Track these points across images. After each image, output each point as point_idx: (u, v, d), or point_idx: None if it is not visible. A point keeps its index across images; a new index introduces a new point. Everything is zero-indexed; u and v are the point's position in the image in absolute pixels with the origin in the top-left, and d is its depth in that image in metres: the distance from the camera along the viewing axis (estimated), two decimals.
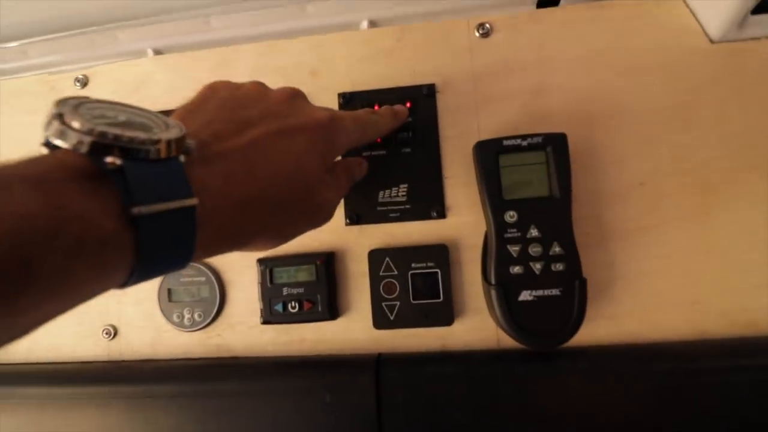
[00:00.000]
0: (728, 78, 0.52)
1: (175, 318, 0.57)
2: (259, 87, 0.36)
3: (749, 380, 0.44)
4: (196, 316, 0.56)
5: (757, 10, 0.50)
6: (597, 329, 0.50)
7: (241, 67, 0.58)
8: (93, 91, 0.62)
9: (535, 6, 0.59)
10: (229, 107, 0.32)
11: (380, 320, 0.51)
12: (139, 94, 0.61)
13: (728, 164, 0.51)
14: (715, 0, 0.50)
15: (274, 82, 0.59)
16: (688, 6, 0.53)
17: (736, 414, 0.43)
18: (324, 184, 0.35)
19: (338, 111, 0.38)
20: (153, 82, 0.61)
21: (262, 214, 0.29)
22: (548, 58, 0.53)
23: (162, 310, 0.57)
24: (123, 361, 0.58)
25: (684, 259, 0.50)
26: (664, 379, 0.45)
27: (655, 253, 0.50)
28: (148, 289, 0.58)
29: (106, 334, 0.59)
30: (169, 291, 0.57)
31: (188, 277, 0.57)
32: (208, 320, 0.56)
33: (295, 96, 0.36)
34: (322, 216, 0.37)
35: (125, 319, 0.59)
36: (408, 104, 0.54)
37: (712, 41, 0.52)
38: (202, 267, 0.56)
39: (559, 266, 0.46)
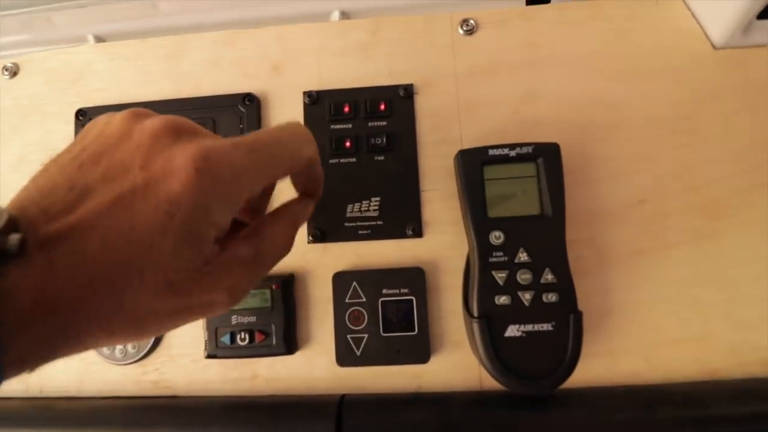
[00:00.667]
0: (733, 88, 0.47)
1: (105, 349, 0.48)
2: (128, 123, 0.25)
3: (765, 430, 0.38)
4: (129, 347, 0.48)
5: (763, 15, 0.46)
6: (592, 368, 0.43)
7: (194, 58, 0.51)
8: (24, 82, 0.54)
9: (524, 3, 0.53)
10: (76, 166, 0.23)
11: (345, 356, 0.44)
12: (76, 86, 0.53)
13: (736, 182, 0.45)
14: (718, 2, 0.46)
15: (231, 77, 0.52)
16: (688, 8, 0.49)
17: None
18: (204, 267, 0.23)
19: (224, 141, 0.25)
20: (93, 73, 0.53)
21: (105, 317, 0.21)
22: (539, 60, 0.48)
23: None
24: (43, 398, 0.49)
25: (689, 288, 0.44)
26: (670, 427, 0.39)
27: (656, 282, 0.45)
28: None
29: None
30: None
31: None
32: (144, 352, 0.47)
33: (162, 134, 0.24)
34: (213, 309, 0.25)
35: None
36: (383, 106, 0.47)
37: (714, 47, 0.48)
38: None
39: (551, 297, 0.39)
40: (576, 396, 0.42)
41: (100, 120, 0.27)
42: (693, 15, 0.48)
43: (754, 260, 0.44)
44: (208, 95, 0.50)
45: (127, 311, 0.22)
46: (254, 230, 0.28)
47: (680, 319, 0.44)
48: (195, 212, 0.22)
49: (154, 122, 0.25)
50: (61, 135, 0.52)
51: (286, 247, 0.30)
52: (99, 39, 0.55)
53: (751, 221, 0.45)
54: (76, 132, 0.51)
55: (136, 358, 0.48)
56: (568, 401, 0.41)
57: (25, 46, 0.59)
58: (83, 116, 0.51)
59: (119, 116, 0.26)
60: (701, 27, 0.48)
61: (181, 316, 0.24)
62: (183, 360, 0.48)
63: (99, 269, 0.20)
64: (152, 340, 0.47)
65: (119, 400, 0.48)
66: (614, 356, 0.44)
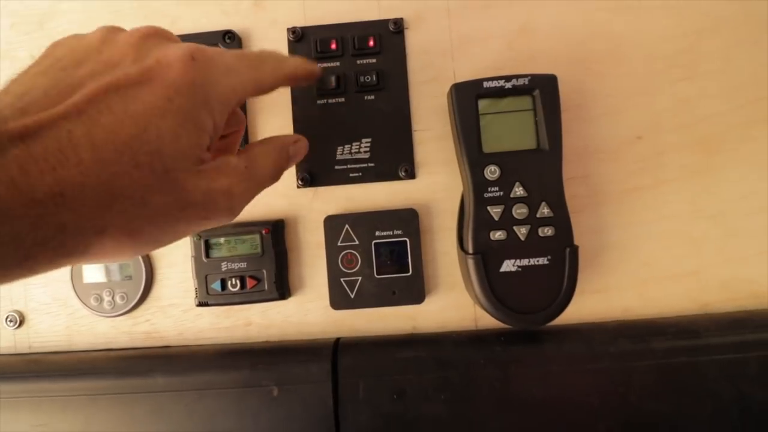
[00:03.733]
0: (735, 20, 0.45)
1: (92, 301, 0.47)
2: (105, 33, 0.26)
3: (756, 357, 0.39)
4: (117, 298, 0.47)
5: None
6: (587, 304, 0.44)
7: None
8: None
9: None
10: (58, 68, 0.23)
11: (339, 299, 0.43)
12: (44, 29, 0.49)
13: (734, 118, 0.44)
14: None
15: (209, 14, 0.49)
16: None
17: (742, 394, 0.38)
18: (200, 165, 0.24)
19: (211, 47, 0.26)
20: (60, 13, 0.49)
21: (94, 209, 0.20)
22: None
23: (76, 292, 0.47)
24: (32, 353, 0.49)
25: (683, 224, 0.44)
26: (663, 358, 0.39)
27: (650, 218, 0.44)
28: None
29: (11, 321, 0.48)
30: (84, 269, 0.47)
31: None
32: (133, 303, 0.46)
33: (148, 36, 0.25)
34: (211, 212, 0.25)
35: (33, 304, 0.49)
36: (372, 42, 0.45)
37: None
38: None
39: (547, 231, 0.39)
40: (571, 331, 0.42)
41: (67, 38, 0.27)
42: None
43: (748, 195, 0.44)
44: (186, 33, 0.47)
45: (118, 202, 0.21)
46: (245, 150, 0.29)
47: (674, 255, 0.44)
48: (194, 97, 0.23)
49: (140, 28, 0.26)
50: None
51: (276, 170, 0.31)
52: None
53: (747, 156, 0.44)
54: None
55: (125, 309, 0.46)
56: (563, 336, 0.41)
57: None
58: None
59: (93, 32, 0.27)
60: None
61: (178, 216, 0.23)
62: (173, 310, 0.47)
63: (88, 155, 0.19)
64: (141, 288, 0.46)
65: (111, 351, 0.47)
66: (608, 292, 0.44)
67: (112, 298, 0.47)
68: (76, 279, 0.47)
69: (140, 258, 0.46)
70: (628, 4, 0.45)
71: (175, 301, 0.47)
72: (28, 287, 0.49)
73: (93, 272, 0.47)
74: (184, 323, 0.47)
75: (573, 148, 0.44)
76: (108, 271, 0.47)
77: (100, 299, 0.47)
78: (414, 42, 0.46)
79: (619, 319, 0.44)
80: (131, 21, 0.48)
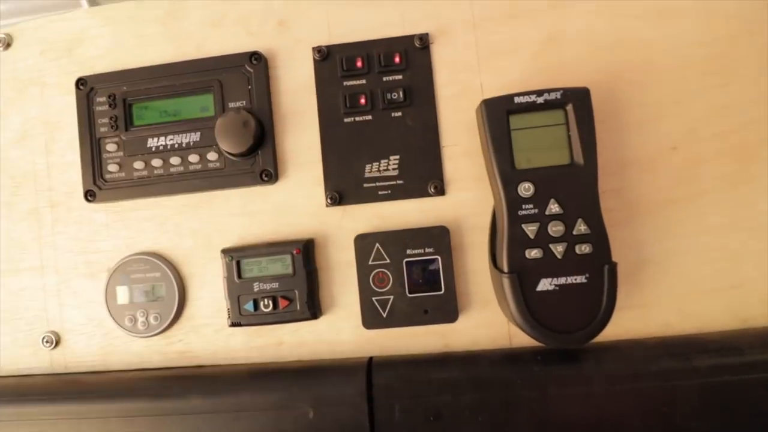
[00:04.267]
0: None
1: (126, 322, 0.48)
2: None
3: None
4: (151, 318, 0.47)
5: None
6: (624, 321, 0.43)
7: (193, 17, 0.48)
8: (19, 54, 0.51)
9: None
10: None
11: (371, 318, 0.43)
12: (73, 55, 0.50)
13: None
14: None
15: (235, 36, 0.49)
16: None
17: None
18: None
19: None
20: (89, 39, 0.50)
21: None
22: (561, 1, 0.45)
23: (111, 313, 0.48)
24: (68, 373, 0.49)
25: (722, 237, 0.43)
26: (707, 376, 0.38)
27: (688, 231, 0.43)
28: (93, 288, 0.49)
29: (47, 342, 0.49)
30: (118, 290, 0.48)
31: (140, 272, 0.47)
32: (167, 323, 0.47)
33: None
34: None
35: (69, 325, 0.49)
36: (398, 58, 0.45)
37: None
38: (156, 260, 0.47)
39: (584, 248, 0.38)
40: (610, 349, 0.41)
41: None
42: None
43: None
44: (212, 56, 0.47)
45: None
46: None
47: (713, 269, 0.43)
48: None
49: None
50: (62, 106, 0.50)
51: None
52: (93, 2, 0.52)
53: None
54: (78, 102, 0.49)
55: (159, 330, 0.47)
56: (602, 354, 0.40)
57: (14, 15, 0.55)
58: (84, 85, 0.49)
59: None
60: None
61: None
62: (206, 330, 0.47)
63: None
64: (174, 309, 0.47)
65: (146, 372, 0.48)
66: (647, 308, 0.43)
67: (146, 318, 0.47)
68: (110, 300, 0.48)
69: (172, 278, 0.47)
70: (656, 7, 0.44)
71: (207, 321, 0.47)
72: (64, 308, 0.50)
73: (127, 293, 0.48)
74: (217, 342, 0.47)
75: (606, 160, 0.43)
76: (141, 292, 0.47)
77: (134, 320, 0.48)
78: (440, 56, 0.45)
79: (659, 335, 0.43)
80: (157, 45, 0.49)
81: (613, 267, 0.38)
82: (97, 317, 0.49)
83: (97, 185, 0.48)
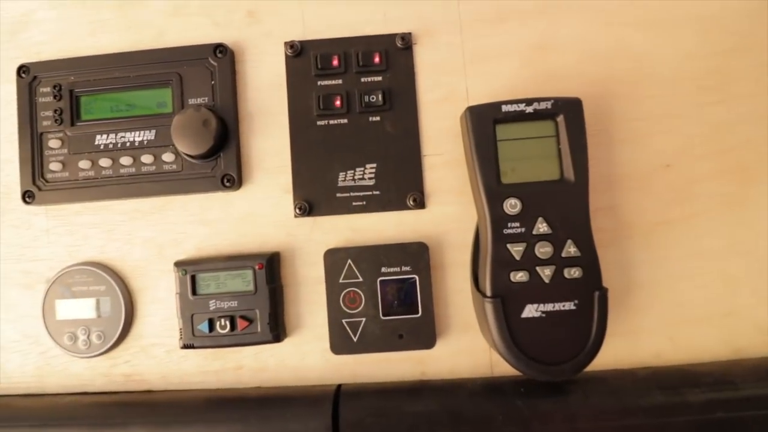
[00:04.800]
0: (765, 39, 0.42)
1: (66, 340, 0.42)
2: None
3: None
4: (94, 336, 0.42)
5: None
6: (612, 349, 0.40)
7: (154, 4, 0.44)
8: None
9: None
10: None
11: (340, 342, 0.39)
12: (16, 39, 0.45)
13: None
14: None
15: (199, 25, 0.44)
16: None
17: None
18: None
19: None
20: (35, 23, 0.45)
21: None
22: (553, 4, 0.42)
23: (48, 330, 0.43)
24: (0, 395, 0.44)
25: (717, 261, 0.41)
26: (700, 413, 0.35)
27: (682, 253, 0.41)
28: (29, 301, 0.43)
29: None
30: (57, 304, 0.42)
31: (82, 284, 0.42)
32: (111, 342, 0.42)
33: None
34: None
35: (1, 342, 0.44)
36: (377, 58, 0.41)
37: None
38: (101, 272, 0.42)
39: (574, 272, 0.35)
40: (597, 380, 0.38)
41: None
42: None
43: None
44: (173, 47, 0.42)
45: None
46: None
47: (707, 295, 0.40)
48: None
49: None
50: (1, 95, 0.45)
51: None
52: None
53: None
54: (19, 92, 0.43)
55: (102, 349, 0.42)
56: (590, 386, 0.37)
57: None
58: (26, 73, 0.44)
59: None
60: None
61: None
62: (156, 350, 0.42)
63: None
64: (120, 326, 0.42)
65: (87, 396, 0.43)
66: (637, 335, 0.40)
67: (88, 336, 0.42)
68: (47, 314, 0.43)
69: (119, 292, 0.42)
70: (652, 19, 0.42)
71: (157, 341, 0.42)
72: None
73: (67, 308, 0.42)
74: (168, 365, 0.42)
75: (597, 176, 0.40)
76: (84, 307, 0.42)
77: (74, 338, 0.42)
78: (423, 58, 0.42)
79: (650, 365, 0.40)
80: (112, 33, 0.44)
81: (604, 293, 0.35)
82: (32, 333, 0.43)
83: (37, 185, 0.43)
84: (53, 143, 0.43)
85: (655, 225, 0.41)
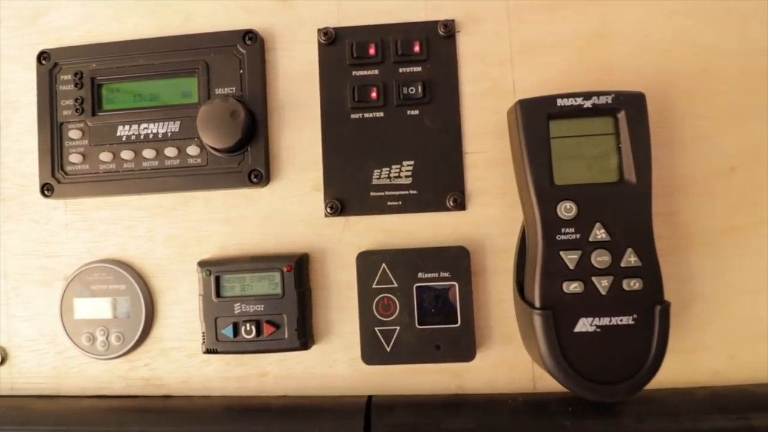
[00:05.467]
0: None
1: (84, 340, 0.41)
2: None
3: None
4: (113, 338, 0.40)
5: None
6: (670, 365, 0.35)
7: None
8: None
9: None
10: None
11: (372, 352, 0.37)
12: (37, 24, 0.43)
13: None
14: None
15: (228, 10, 0.41)
16: None
17: None
18: None
19: None
20: (56, 8, 0.43)
21: None
22: None
23: (66, 329, 0.41)
24: (15, 396, 0.42)
25: None
26: None
27: (746, 265, 0.37)
28: (47, 298, 0.42)
29: None
30: (75, 303, 0.41)
31: (102, 283, 0.40)
32: (131, 344, 0.40)
33: None
34: None
35: (17, 340, 0.42)
36: (417, 47, 0.38)
37: None
38: (121, 270, 0.40)
39: (634, 284, 0.32)
40: (651, 400, 0.35)
41: None
42: None
43: None
44: (200, 33, 0.40)
45: None
46: None
47: None
48: None
49: None
50: (22, 83, 0.43)
51: None
52: None
53: None
54: (39, 80, 0.42)
55: (121, 351, 0.40)
56: (644, 407, 0.34)
57: None
58: (46, 60, 0.42)
59: None
60: None
61: None
62: (177, 354, 0.40)
63: None
64: (140, 328, 0.40)
65: (104, 399, 0.41)
66: (695, 353, 0.37)
67: (107, 337, 0.40)
68: (65, 313, 0.41)
69: (140, 292, 0.40)
70: (719, 8, 0.38)
71: (178, 344, 0.40)
72: (12, 320, 0.42)
73: (85, 307, 0.41)
74: (189, 370, 0.40)
75: (657, 179, 0.36)
76: (103, 307, 0.40)
77: (92, 338, 0.40)
78: (467, 47, 0.39)
79: (707, 384, 0.37)
80: (136, 18, 0.42)
81: (666, 307, 0.32)
82: (50, 333, 0.42)
83: (56, 178, 0.41)
84: (73, 134, 0.41)
85: (718, 233, 0.37)
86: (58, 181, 0.41)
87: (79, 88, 0.41)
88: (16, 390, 0.42)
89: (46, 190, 0.41)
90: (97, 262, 0.41)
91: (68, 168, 0.41)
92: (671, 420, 0.34)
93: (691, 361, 0.37)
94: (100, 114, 0.41)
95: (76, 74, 0.41)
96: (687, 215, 0.37)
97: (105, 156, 0.40)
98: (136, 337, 0.40)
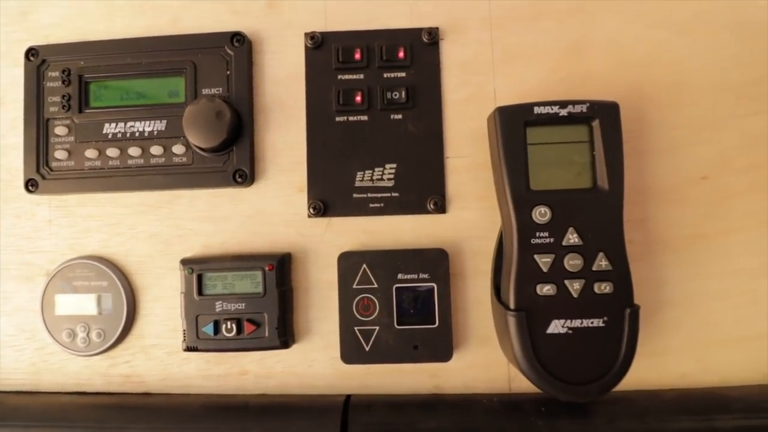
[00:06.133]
0: None
1: (64, 336, 0.41)
2: None
3: None
4: (94, 334, 0.40)
5: None
6: (639, 368, 0.37)
7: None
8: None
9: None
10: None
11: (351, 351, 0.37)
12: (25, 21, 0.44)
13: None
14: None
15: (217, 12, 0.41)
16: None
17: None
18: None
19: None
20: (46, 4, 0.43)
21: None
22: (590, 4, 0.40)
23: (46, 325, 0.41)
24: None
25: (751, 280, 0.39)
26: None
27: (714, 271, 0.39)
28: (28, 294, 0.42)
29: None
30: (57, 298, 0.41)
31: (84, 279, 0.41)
32: (112, 341, 0.40)
33: None
34: None
35: None
36: (402, 53, 0.39)
37: None
38: (104, 267, 0.40)
39: (605, 287, 0.33)
40: (622, 401, 0.36)
41: None
42: None
43: None
44: (188, 33, 0.41)
45: None
46: None
47: (739, 316, 0.38)
48: None
49: None
50: (8, 79, 0.43)
51: None
52: None
53: None
54: (26, 76, 0.42)
55: (102, 348, 0.40)
56: (614, 408, 0.35)
57: None
58: (34, 56, 0.42)
59: None
60: None
61: None
62: (157, 352, 0.41)
63: None
64: (121, 325, 0.40)
65: (83, 396, 0.41)
66: (664, 356, 0.38)
67: (87, 334, 0.40)
68: (46, 309, 0.41)
69: (122, 289, 0.40)
70: (692, 24, 0.40)
71: (159, 341, 0.40)
72: None
73: (67, 303, 0.41)
74: (169, 367, 0.40)
75: (629, 186, 0.37)
76: (84, 303, 0.40)
77: (73, 334, 0.40)
78: (450, 55, 0.40)
79: (676, 386, 0.38)
80: (126, 17, 0.42)
81: (635, 311, 0.33)
82: (29, 328, 0.42)
83: (41, 174, 0.41)
84: (60, 130, 0.41)
85: (687, 240, 0.39)
86: (43, 177, 0.41)
87: (67, 85, 0.41)
88: None
89: (31, 185, 0.41)
90: (80, 258, 0.41)
91: (53, 164, 0.41)
92: (639, 421, 0.35)
93: (659, 363, 0.38)
94: (86, 111, 0.41)
95: (63, 71, 0.41)
96: (658, 222, 0.39)
97: (91, 153, 0.41)
98: (117, 333, 0.40)
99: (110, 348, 0.40)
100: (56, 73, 0.42)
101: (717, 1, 0.40)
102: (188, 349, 0.38)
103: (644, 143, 0.39)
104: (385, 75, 0.40)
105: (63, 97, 0.41)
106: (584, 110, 0.34)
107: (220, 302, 0.38)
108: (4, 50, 0.43)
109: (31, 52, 0.42)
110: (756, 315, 0.38)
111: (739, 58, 0.40)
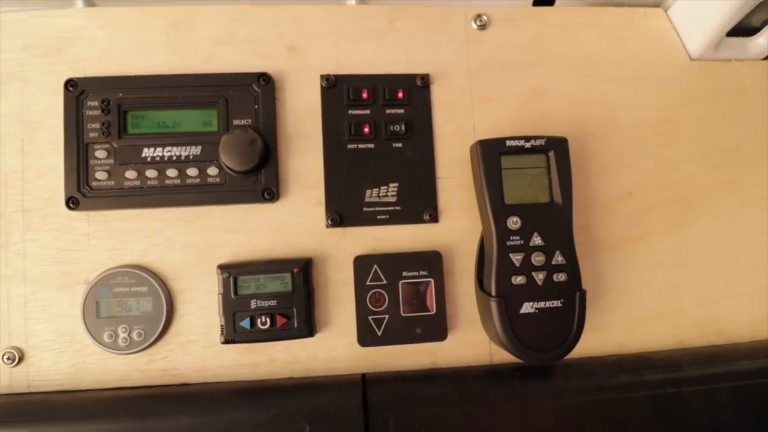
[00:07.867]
0: (704, 96, 0.54)
1: (106, 338, 0.45)
2: None
3: (727, 388, 0.46)
4: (134, 334, 0.45)
5: (732, 33, 0.53)
6: (587, 340, 0.48)
7: (202, 31, 0.49)
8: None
9: (531, 2, 0.56)
10: None
11: (366, 336, 0.45)
12: (63, 54, 0.48)
13: (705, 179, 0.52)
14: (695, 19, 0.52)
15: (244, 55, 0.50)
16: (671, 21, 0.54)
17: (717, 421, 0.44)
18: None
19: None
20: (82, 40, 0.48)
21: None
22: (545, 59, 0.51)
23: (88, 328, 0.45)
24: (32, 393, 0.45)
25: (666, 271, 0.51)
26: (654, 389, 0.45)
27: (639, 264, 0.50)
28: (67, 301, 0.46)
29: (8, 359, 0.45)
30: (98, 305, 0.45)
31: (124, 286, 0.46)
32: (152, 339, 0.45)
33: None
34: None
35: (35, 340, 0.46)
36: (401, 94, 0.48)
37: (691, 58, 0.54)
38: (143, 274, 0.46)
39: (561, 277, 0.43)
40: (576, 365, 0.47)
41: None
42: (674, 28, 0.54)
43: (718, 246, 0.51)
44: (220, 72, 0.47)
45: None
46: None
47: (658, 298, 0.50)
48: None
49: None
50: (45, 106, 0.47)
51: None
52: (90, 2, 0.50)
53: (716, 213, 0.52)
54: (66, 104, 0.47)
55: (142, 346, 0.45)
56: (570, 371, 0.46)
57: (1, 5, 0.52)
58: (74, 87, 0.47)
59: None
60: (681, 40, 0.54)
61: None
62: (193, 347, 0.46)
63: None
64: (161, 324, 0.45)
65: (124, 390, 0.45)
66: (605, 330, 0.49)
67: (128, 334, 0.45)
68: (87, 313, 0.45)
69: (161, 292, 0.46)
70: (622, 76, 0.52)
71: (195, 338, 0.46)
72: (29, 322, 0.46)
73: (108, 306, 0.46)
74: (204, 360, 0.46)
75: (576, 201, 0.49)
76: (125, 306, 0.46)
77: (114, 335, 0.45)
78: (439, 96, 0.50)
79: (615, 353, 0.49)
80: (159, 55, 0.48)
81: (583, 294, 0.44)
82: (68, 332, 0.46)
83: (82, 192, 0.46)
84: (100, 153, 0.46)
85: (619, 242, 0.50)
86: (84, 195, 0.46)
87: (106, 114, 0.46)
88: (32, 387, 0.45)
89: (71, 203, 0.46)
90: (120, 267, 0.46)
91: (93, 183, 0.46)
92: (589, 379, 0.45)
93: (602, 335, 0.49)
94: (125, 137, 0.46)
95: (103, 101, 0.47)
96: (597, 227, 0.50)
97: (130, 174, 0.46)
98: (157, 332, 0.45)
99: (150, 346, 0.45)
100: (95, 103, 0.47)
101: (637, 58, 0.53)
102: (227, 341, 0.44)
103: (586, 168, 0.51)
104: (387, 111, 0.48)
105: (102, 124, 0.46)
106: (543, 143, 0.45)
107: (255, 300, 0.44)
108: (41, 80, 0.48)
109: (70, 83, 0.47)
110: (670, 297, 0.50)
111: (656, 102, 0.53)
